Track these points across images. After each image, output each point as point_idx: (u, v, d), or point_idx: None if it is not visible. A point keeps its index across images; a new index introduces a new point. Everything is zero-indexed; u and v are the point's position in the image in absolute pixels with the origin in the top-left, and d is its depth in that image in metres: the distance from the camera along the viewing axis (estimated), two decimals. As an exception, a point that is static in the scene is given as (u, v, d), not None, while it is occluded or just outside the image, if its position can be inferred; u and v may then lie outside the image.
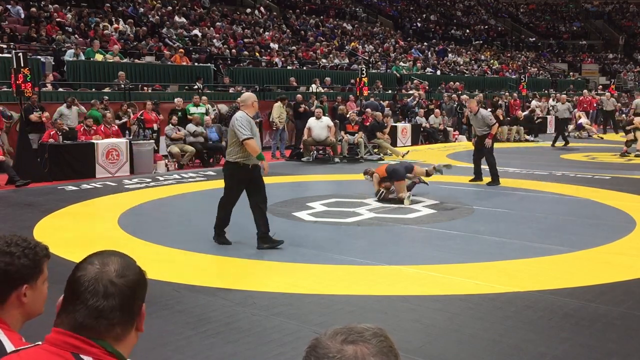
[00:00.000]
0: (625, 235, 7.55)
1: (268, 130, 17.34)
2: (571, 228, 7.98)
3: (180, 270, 6.15)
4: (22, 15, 19.06)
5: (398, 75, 27.48)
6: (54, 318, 1.48)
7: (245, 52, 22.96)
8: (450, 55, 34.48)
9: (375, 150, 16.83)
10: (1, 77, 15.19)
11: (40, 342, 1.48)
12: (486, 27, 44.66)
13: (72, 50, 17.22)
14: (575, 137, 22.03)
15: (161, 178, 12.54)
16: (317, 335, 1.16)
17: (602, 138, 22.45)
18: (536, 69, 38.51)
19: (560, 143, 19.50)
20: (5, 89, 14.45)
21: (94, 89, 16.59)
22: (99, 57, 17.49)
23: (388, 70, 27.72)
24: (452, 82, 27.92)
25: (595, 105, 26.47)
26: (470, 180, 11.90)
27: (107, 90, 16.58)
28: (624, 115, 24.05)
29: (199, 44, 22.06)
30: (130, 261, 1.54)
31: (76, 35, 18.84)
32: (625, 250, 6.89)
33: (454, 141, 20.95)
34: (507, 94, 25.64)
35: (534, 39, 46.44)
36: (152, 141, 14.04)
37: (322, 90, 20.87)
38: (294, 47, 25.82)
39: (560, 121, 20.30)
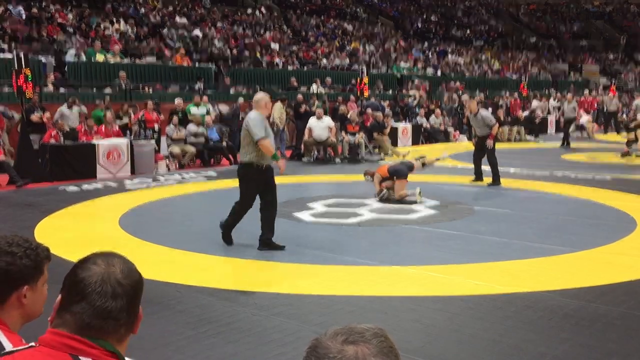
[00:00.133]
0: (626, 235, 7.55)
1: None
2: (572, 228, 7.98)
3: (181, 270, 6.15)
4: (24, 16, 19.06)
5: (399, 75, 27.49)
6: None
7: (246, 53, 22.98)
8: (450, 55, 34.46)
9: (376, 150, 16.84)
10: (2, 78, 15.20)
11: (34, 343, 1.47)
12: (487, 27, 44.63)
13: (73, 50, 17.24)
14: (575, 137, 22.01)
15: (162, 178, 12.53)
16: (318, 335, 1.17)
17: (595, 138, 22.46)
18: (537, 69, 38.48)
19: (558, 143, 19.54)
20: (7, 90, 14.46)
21: (95, 89, 16.61)
22: (100, 58, 17.50)
23: (389, 71, 27.72)
24: (452, 82, 27.93)
25: (596, 105, 26.45)
26: (471, 181, 11.92)
27: (108, 90, 16.60)
28: (624, 116, 24.03)
29: (199, 45, 22.08)
30: (130, 262, 1.55)
31: (77, 36, 18.85)
32: (625, 250, 6.89)
33: (455, 141, 20.94)
34: (507, 94, 25.63)
35: (534, 39, 46.40)
36: (153, 141, 14.04)
37: (323, 91, 20.87)
38: (294, 48, 25.82)
39: (567, 121, 20.29)
